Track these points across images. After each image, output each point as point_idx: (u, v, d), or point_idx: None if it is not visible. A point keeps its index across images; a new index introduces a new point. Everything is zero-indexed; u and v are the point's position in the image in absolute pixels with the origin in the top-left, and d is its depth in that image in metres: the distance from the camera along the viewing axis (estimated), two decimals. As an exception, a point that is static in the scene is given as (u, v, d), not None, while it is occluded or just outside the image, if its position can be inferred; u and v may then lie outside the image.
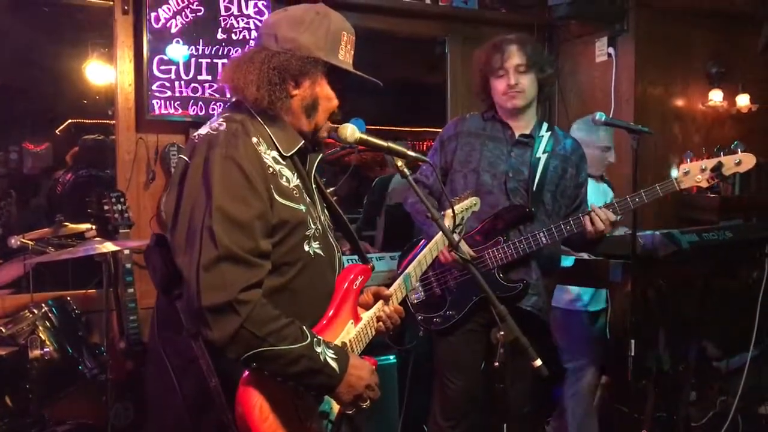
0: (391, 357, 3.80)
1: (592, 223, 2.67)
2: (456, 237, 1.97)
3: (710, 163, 2.64)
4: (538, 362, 1.74)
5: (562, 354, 3.70)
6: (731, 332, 3.94)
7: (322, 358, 1.69)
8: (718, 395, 3.86)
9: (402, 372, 3.74)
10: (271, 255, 1.69)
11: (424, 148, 8.12)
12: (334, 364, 1.71)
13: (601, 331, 3.95)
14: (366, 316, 1.94)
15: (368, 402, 1.82)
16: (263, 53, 1.75)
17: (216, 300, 1.56)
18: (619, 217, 2.74)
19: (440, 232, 2.11)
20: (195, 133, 1.75)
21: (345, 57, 1.84)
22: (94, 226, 3.38)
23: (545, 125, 2.95)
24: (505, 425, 2.08)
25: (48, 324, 3.09)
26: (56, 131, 7.39)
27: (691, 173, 2.66)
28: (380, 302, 1.99)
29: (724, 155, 2.65)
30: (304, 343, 1.66)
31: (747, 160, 2.62)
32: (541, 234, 2.72)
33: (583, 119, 3.81)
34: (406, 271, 2.05)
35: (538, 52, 2.87)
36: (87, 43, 5.12)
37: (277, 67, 1.72)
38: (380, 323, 1.98)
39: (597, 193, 3.51)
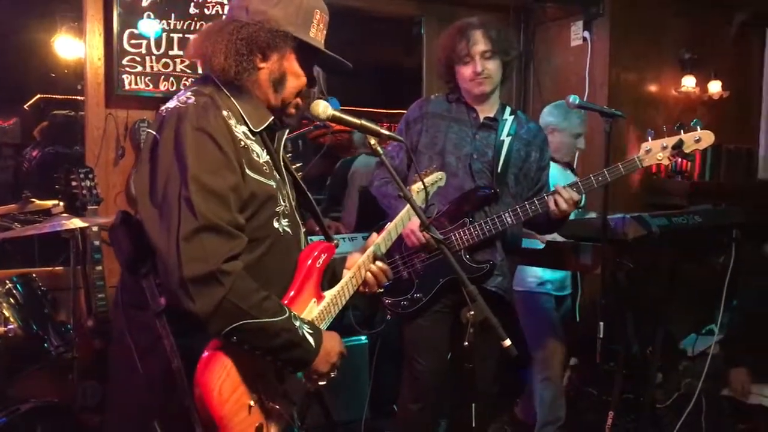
0: (363, 338, 3.81)
1: (556, 203, 2.69)
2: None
3: (671, 140, 2.66)
4: (508, 342, 1.75)
5: (530, 338, 3.72)
6: (697, 316, 4.02)
7: (300, 332, 1.69)
8: (683, 377, 3.93)
9: (372, 352, 3.75)
10: (245, 228, 1.67)
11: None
12: (310, 339, 1.72)
13: (567, 314, 3.99)
14: (329, 294, 1.92)
15: (336, 371, 1.84)
16: (233, 24, 1.72)
17: (199, 271, 1.53)
18: (583, 197, 2.74)
19: (406, 207, 2.11)
20: (162, 108, 1.72)
21: (316, 35, 1.82)
22: (61, 203, 3.32)
23: (508, 109, 2.97)
24: (473, 405, 2.09)
25: (12, 301, 3.03)
26: (25, 107, 7.25)
27: (652, 151, 2.68)
28: (362, 259, 2.00)
29: (684, 133, 2.67)
30: (284, 317, 1.66)
31: (706, 138, 2.65)
32: (507, 215, 2.74)
33: (556, 104, 3.82)
34: (372, 246, 2.05)
35: (502, 36, 2.86)
36: (56, 16, 5.01)
37: (245, 38, 1.70)
38: (366, 286, 2.02)
39: (562, 179, 3.52)
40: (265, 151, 1.78)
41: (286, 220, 1.80)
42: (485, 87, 2.85)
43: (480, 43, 2.80)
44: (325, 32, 1.85)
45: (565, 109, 3.74)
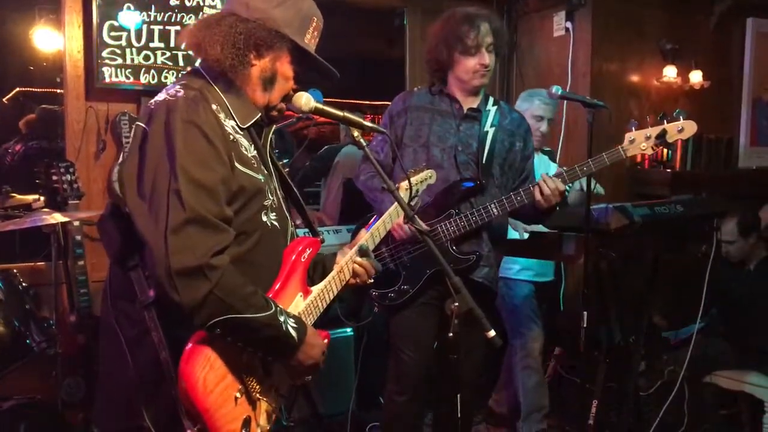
0: (348, 330, 3.82)
1: (541, 192, 2.69)
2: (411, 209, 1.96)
3: (654, 130, 2.69)
4: (492, 333, 1.75)
5: (509, 326, 3.74)
6: (680, 304, 4.05)
7: (284, 327, 1.70)
8: (666, 365, 3.97)
9: (358, 345, 3.76)
10: (233, 222, 1.68)
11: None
12: (294, 333, 1.72)
13: (549, 302, 4.01)
14: (316, 289, 1.93)
15: (316, 370, 1.84)
16: (232, 17, 1.74)
17: (186, 263, 1.54)
18: (568, 187, 2.74)
19: (394, 204, 2.11)
20: (151, 101, 1.72)
21: (310, 41, 1.84)
22: (41, 197, 3.28)
23: (491, 99, 2.97)
24: (458, 396, 2.10)
25: (-7, 297, 3.00)
26: (4, 100, 7.16)
27: (636, 141, 2.70)
28: (349, 255, 2.01)
29: (667, 123, 2.69)
30: (269, 313, 1.66)
31: (689, 127, 2.68)
32: (493, 206, 2.74)
33: (529, 90, 3.86)
34: (360, 241, 2.05)
35: (503, 30, 2.88)
36: (34, 8, 4.94)
37: (243, 33, 1.71)
38: (356, 279, 2.02)
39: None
40: (252, 146, 1.79)
41: (274, 214, 1.81)
42: (485, 80, 2.85)
43: (488, 36, 2.79)
44: (317, 40, 1.87)
45: (531, 93, 3.81)
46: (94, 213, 3.09)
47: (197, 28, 1.75)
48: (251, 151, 1.77)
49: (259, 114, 1.81)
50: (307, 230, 2.12)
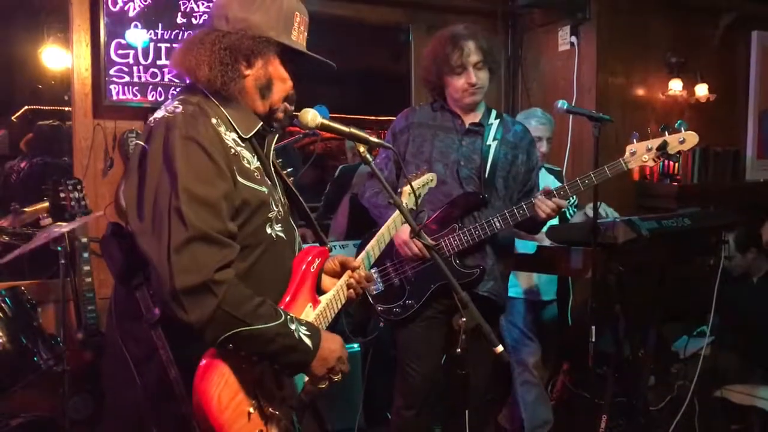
0: (355, 345, 3.81)
1: (542, 209, 2.71)
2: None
3: (655, 142, 2.69)
4: (500, 348, 1.75)
5: (509, 342, 3.72)
6: (688, 317, 4.03)
7: (296, 335, 1.68)
8: (675, 380, 3.94)
9: (365, 360, 3.75)
10: (237, 237, 1.66)
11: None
12: (307, 341, 1.70)
13: (551, 319, 3.98)
14: (325, 298, 1.92)
15: (340, 375, 1.81)
16: (214, 34, 1.72)
17: (191, 282, 1.52)
18: (573, 201, 2.73)
19: (396, 212, 2.11)
20: (150, 118, 1.72)
21: (298, 38, 1.82)
22: (48, 212, 3.29)
23: (494, 113, 2.98)
24: (466, 411, 2.09)
25: (0, 314, 3.00)
26: (12, 118, 7.21)
27: (637, 153, 2.71)
28: (348, 272, 1.99)
29: (668, 134, 2.69)
30: (278, 321, 1.65)
31: (690, 139, 2.67)
32: (495, 219, 2.75)
33: (524, 112, 3.87)
34: (366, 249, 2.06)
35: (490, 45, 2.88)
36: (42, 26, 4.99)
37: (228, 47, 1.70)
38: (350, 290, 1.98)
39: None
40: (255, 157, 1.77)
41: (280, 225, 1.80)
42: (477, 97, 2.86)
43: (474, 54, 2.80)
44: (306, 34, 1.85)
45: (527, 114, 3.81)
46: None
47: (183, 51, 1.74)
48: (254, 163, 1.75)
49: (260, 124, 1.79)
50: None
